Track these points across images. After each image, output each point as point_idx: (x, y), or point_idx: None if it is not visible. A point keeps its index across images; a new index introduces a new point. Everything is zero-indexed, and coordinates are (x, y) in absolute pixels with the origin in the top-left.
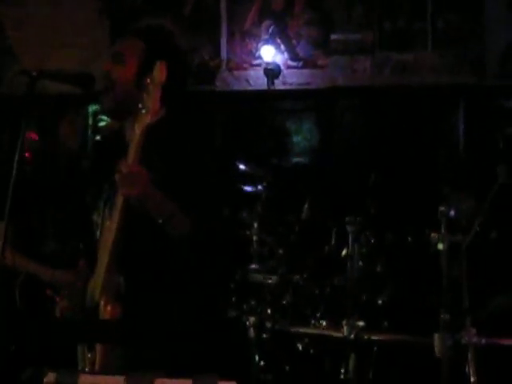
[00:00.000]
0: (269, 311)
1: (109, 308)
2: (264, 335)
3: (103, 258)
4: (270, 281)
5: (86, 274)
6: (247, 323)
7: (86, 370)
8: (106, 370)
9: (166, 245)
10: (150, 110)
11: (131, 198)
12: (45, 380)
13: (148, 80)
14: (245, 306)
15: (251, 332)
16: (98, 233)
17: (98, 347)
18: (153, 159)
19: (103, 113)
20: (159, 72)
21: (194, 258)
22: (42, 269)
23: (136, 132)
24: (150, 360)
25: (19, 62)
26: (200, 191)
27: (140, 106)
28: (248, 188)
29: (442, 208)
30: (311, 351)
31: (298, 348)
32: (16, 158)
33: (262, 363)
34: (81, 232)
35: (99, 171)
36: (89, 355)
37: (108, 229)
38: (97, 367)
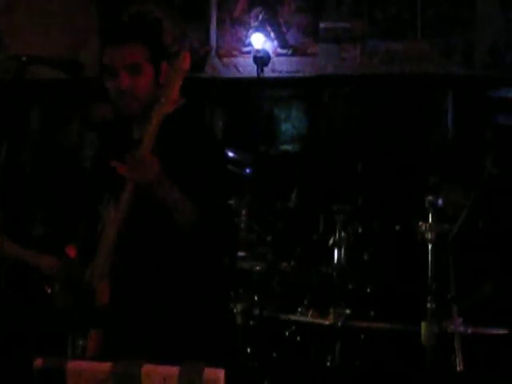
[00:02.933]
0: (256, 298)
1: (105, 296)
2: (251, 322)
3: (105, 247)
4: (257, 268)
5: (73, 262)
6: (235, 310)
7: (76, 356)
8: (97, 357)
9: (169, 235)
10: (169, 98)
11: (142, 185)
12: (33, 366)
13: (170, 69)
14: (232, 293)
15: (239, 319)
16: (100, 224)
17: (91, 334)
18: (164, 147)
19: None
20: (183, 61)
21: (199, 246)
22: (29, 254)
23: (153, 120)
24: (141, 347)
25: (7, 47)
26: (211, 180)
27: (159, 93)
28: (236, 175)
29: (429, 197)
30: (298, 338)
31: (285, 335)
32: (4, 143)
33: (249, 350)
34: (78, 219)
35: (104, 164)
36: (80, 342)
37: (112, 219)
38: (88, 354)
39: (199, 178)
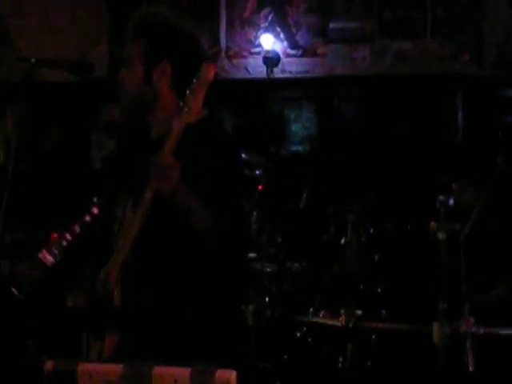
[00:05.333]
0: (267, 299)
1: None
2: (263, 323)
3: (122, 248)
4: (268, 269)
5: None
6: (246, 311)
7: (92, 358)
8: (113, 359)
9: (185, 238)
10: (192, 109)
11: (164, 190)
12: (44, 368)
13: (194, 79)
14: (243, 294)
15: (250, 320)
16: (116, 225)
17: (107, 336)
18: (183, 156)
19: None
20: (206, 72)
21: (213, 249)
22: None
23: (174, 129)
24: (152, 348)
25: (17, 48)
26: (226, 188)
27: (182, 103)
28: (247, 176)
29: (440, 197)
30: (309, 339)
31: (296, 336)
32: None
33: (260, 351)
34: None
35: (122, 166)
36: (96, 344)
37: (131, 221)
38: (104, 355)
39: (215, 188)
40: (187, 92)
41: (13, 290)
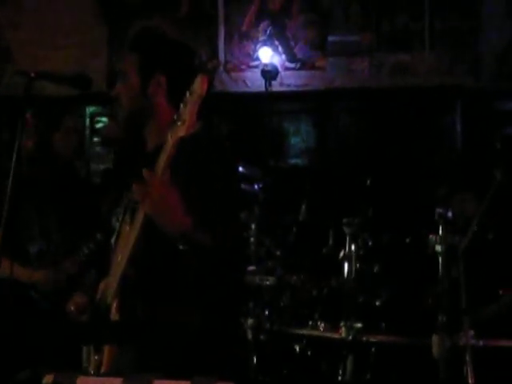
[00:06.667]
0: (266, 313)
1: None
2: (262, 337)
3: (120, 261)
4: (267, 282)
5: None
6: (245, 325)
7: (91, 371)
8: (112, 372)
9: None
10: (185, 122)
11: (149, 210)
12: (43, 381)
13: (187, 92)
14: (242, 308)
15: (249, 334)
16: (113, 238)
17: (107, 349)
18: (177, 171)
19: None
20: (199, 85)
21: (216, 268)
22: (22, 271)
23: (169, 143)
24: (152, 362)
25: (15, 62)
26: (223, 202)
27: (175, 117)
28: (245, 189)
29: (439, 209)
30: (309, 353)
31: (295, 350)
32: (13, 159)
33: (259, 365)
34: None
35: (119, 178)
36: (95, 357)
37: (128, 234)
38: (103, 369)
39: (210, 204)
40: (180, 105)
41: (37, 296)
